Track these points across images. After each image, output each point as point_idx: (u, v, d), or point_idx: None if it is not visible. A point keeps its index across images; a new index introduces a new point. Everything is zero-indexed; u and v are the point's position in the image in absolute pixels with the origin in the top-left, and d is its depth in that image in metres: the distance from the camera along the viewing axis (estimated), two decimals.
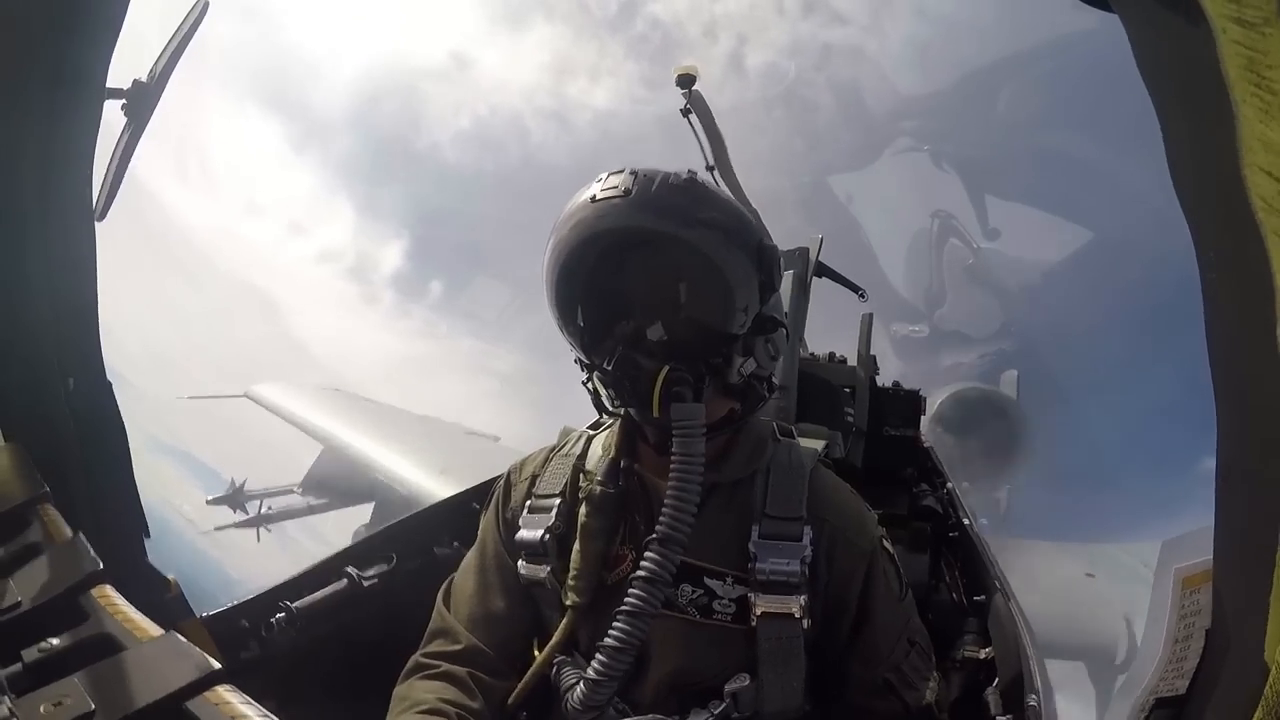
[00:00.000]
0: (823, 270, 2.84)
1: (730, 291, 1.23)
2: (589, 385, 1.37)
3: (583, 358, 1.34)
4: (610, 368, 1.24)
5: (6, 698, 0.65)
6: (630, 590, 1.17)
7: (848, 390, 2.79)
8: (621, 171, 1.22)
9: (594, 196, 1.21)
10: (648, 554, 1.17)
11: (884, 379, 3.10)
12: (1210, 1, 0.50)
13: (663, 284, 1.25)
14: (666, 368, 1.20)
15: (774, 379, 1.37)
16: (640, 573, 1.16)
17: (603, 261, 1.26)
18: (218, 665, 0.69)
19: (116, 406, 1.34)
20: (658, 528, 1.17)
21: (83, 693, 0.64)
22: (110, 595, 0.86)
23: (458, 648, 1.36)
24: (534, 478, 1.47)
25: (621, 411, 1.33)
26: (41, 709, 0.63)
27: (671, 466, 1.19)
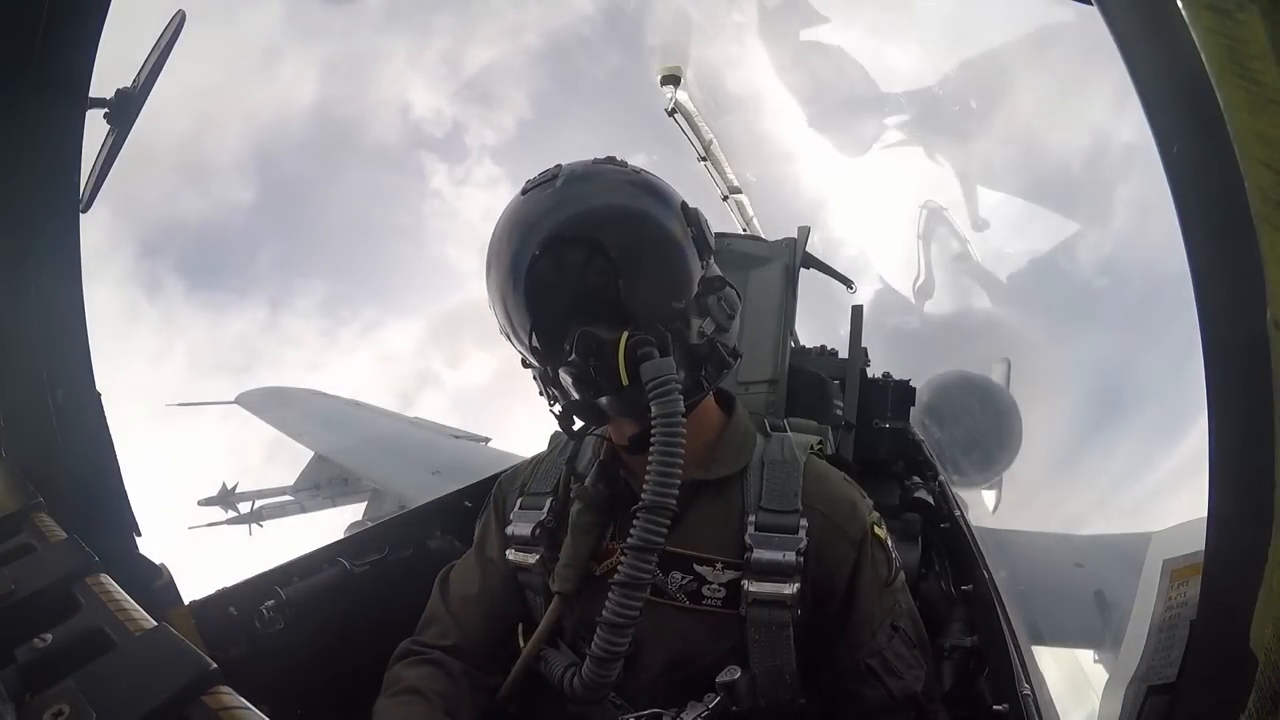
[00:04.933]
0: (810, 261, 2.82)
1: (672, 255, 1.23)
2: (548, 394, 1.32)
3: (533, 362, 1.29)
4: (571, 353, 1.17)
5: (7, 707, 0.64)
6: (621, 561, 1.14)
7: (837, 382, 2.79)
8: (550, 167, 1.27)
9: (524, 190, 1.25)
10: (635, 522, 1.13)
11: (875, 370, 3.09)
12: None
13: (605, 261, 1.18)
14: (626, 333, 1.16)
15: (736, 345, 1.35)
16: (630, 541, 1.13)
17: (543, 254, 1.19)
18: (213, 665, 0.69)
19: (104, 416, 1.33)
20: (643, 496, 1.12)
21: (82, 700, 0.64)
22: (103, 582, 0.86)
23: (449, 643, 1.40)
24: (524, 484, 1.51)
25: (591, 426, 1.31)
26: None
27: (652, 429, 1.13)
